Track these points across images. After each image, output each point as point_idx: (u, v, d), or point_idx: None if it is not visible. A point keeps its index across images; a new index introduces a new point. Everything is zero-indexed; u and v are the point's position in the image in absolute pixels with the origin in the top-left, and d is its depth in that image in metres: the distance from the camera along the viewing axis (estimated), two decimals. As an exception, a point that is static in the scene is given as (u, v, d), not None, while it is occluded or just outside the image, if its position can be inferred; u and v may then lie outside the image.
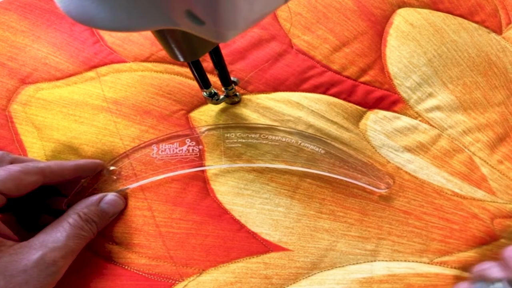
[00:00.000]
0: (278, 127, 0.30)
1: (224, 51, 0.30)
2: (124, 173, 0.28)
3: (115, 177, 0.28)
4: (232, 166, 0.29)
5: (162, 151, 0.29)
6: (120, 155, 0.29)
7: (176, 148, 0.29)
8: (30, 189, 0.24)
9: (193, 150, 0.29)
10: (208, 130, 0.30)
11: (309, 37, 0.33)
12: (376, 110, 0.31)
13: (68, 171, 0.26)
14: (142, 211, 0.28)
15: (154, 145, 0.29)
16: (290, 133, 0.30)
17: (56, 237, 0.23)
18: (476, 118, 0.31)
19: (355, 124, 0.31)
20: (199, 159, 0.29)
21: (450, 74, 0.32)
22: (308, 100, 0.31)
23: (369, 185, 0.28)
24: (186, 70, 0.32)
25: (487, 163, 0.30)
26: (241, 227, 0.28)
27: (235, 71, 0.32)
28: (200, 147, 0.29)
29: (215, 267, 0.27)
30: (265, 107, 0.31)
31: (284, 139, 0.29)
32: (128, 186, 0.28)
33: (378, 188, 0.29)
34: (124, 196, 0.28)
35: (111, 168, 0.28)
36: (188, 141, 0.29)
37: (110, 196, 0.27)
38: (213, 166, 0.29)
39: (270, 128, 0.30)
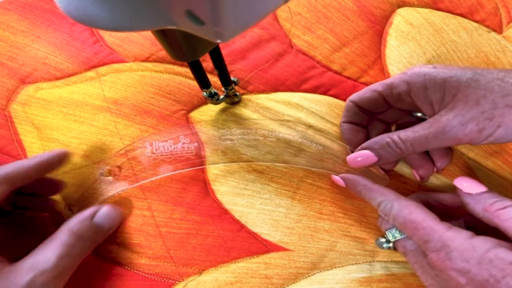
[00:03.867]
0: (279, 128, 0.30)
1: (224, 51, 0.30)
2: (119, 173, 0.28)
3: (110, 178, 0.28)
4: (232, 166, 0.29)
5: (156, 149, 0.28)
6: (113, 155, 0.28)
7: (171, 146, 0.28)
8: (0, 201, 0.23)
9: (188, 147, 0.28)
10: (206, 128, 0.29)
11: (309, 37, 0.33)
12: (376, 110, 0.31)
13: (34, 170, 0.24)
14: (142, 211, 0.28)
15: (147, 143, 0.28)
16: (290, 133, 0.30)
17: (47, 257, 0.22)
18: (476, 118, 0.31)
19: (355, 124, 0.31)
20: (196, 157, 0.28)
21: (450, 74, 0.32)
22: (308, 101, 0.31)
23: None
24: (186, 70, 0.32)
25: (481, 164, 0.30)
26: (242, 227, 0.28)
27: (235, 71, 0.32)
28: (196, 144, 0.29)
29: (215, 267, 0.27)
30: (265, 107, 0.31)
31: (284, 140, 0.29)
32: (122, 188, 0.28)
33: None
34: (126, 203, 0.28)
35: (105, 168, 0.28)
36: (182, 138, 0.28)
37: (105, 209, 0.26)
38: (212, 165, 0.29)
39: (271, 129, 0.30)
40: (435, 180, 0.29)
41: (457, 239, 0.20)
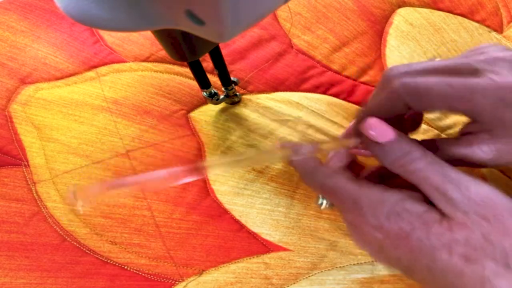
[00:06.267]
0: (279, 128, 0.30)
1: (224, 51, 0.30)
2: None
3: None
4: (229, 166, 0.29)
5: None
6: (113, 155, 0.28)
7: None
8: None
9: None
10: (207, 128, 0.29)
11: (309, 37, 0.33)
12: (376, 110, 0.31)
13: None
14: (141, 211, 0.28)
15: None
16: (290, 133, 0.29)
17: None
18: (476, 118, 0.31)
19: (355, 124, 0.31)
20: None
21: (450, 74, 0.32)
22: (308, 100, 0.31)
23: None
24: (186, 70, 0.32)
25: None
26: (241, 227, 0.28)
27: (235, 71, 0.32)
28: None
29: (215, 267, 0.27)
30: (265, 107, 0.31)
31: (284, 140, 0.29)
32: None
33: None
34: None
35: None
36: None
37: None
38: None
39: (271, 128, 0.30)
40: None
41: (368, 195, 0.19)
